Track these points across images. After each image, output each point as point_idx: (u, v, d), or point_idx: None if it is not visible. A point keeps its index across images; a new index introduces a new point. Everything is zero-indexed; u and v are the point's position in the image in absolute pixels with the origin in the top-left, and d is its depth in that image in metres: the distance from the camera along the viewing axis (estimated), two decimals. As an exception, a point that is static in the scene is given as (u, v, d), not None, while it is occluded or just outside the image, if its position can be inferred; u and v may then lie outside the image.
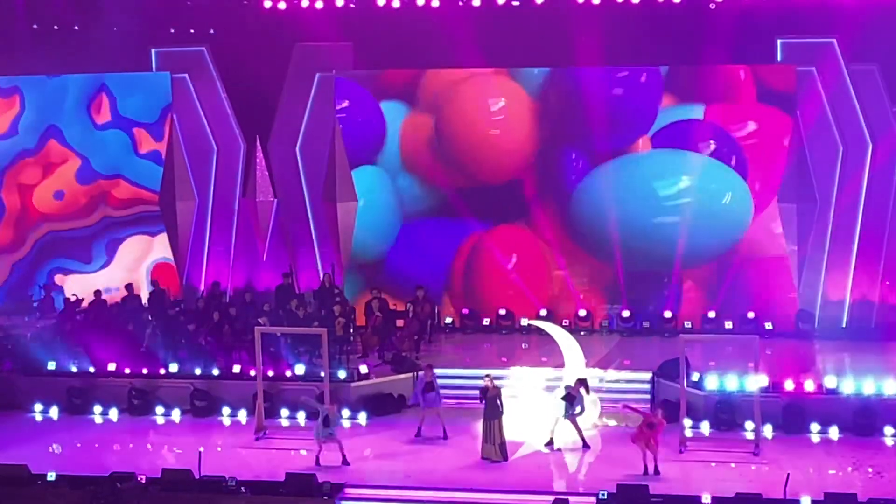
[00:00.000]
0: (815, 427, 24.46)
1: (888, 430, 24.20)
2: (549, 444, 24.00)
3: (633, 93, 31.12)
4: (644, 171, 31.40)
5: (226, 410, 26.65)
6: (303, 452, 24.05)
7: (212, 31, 33.03)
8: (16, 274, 34.01)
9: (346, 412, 25.73)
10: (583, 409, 23.90)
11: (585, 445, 23.92)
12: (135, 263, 33.75)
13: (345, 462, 23.14)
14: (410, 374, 26.69)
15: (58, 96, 33.34)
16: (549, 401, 24.52)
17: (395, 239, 32.72)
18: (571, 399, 23.78)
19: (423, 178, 32.57)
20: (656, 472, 22.24)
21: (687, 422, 24.10)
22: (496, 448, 23.24)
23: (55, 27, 32.82)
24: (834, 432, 24.38)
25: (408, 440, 24.75)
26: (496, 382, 24.03)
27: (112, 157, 33.28)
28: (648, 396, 25.99)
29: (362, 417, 26.11)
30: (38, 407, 27.24)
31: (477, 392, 24.03)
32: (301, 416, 25.90)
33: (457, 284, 32.66)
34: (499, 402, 23.45)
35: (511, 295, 32.12)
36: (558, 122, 31.52)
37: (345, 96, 32.46)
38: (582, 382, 24.07)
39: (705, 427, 24.84)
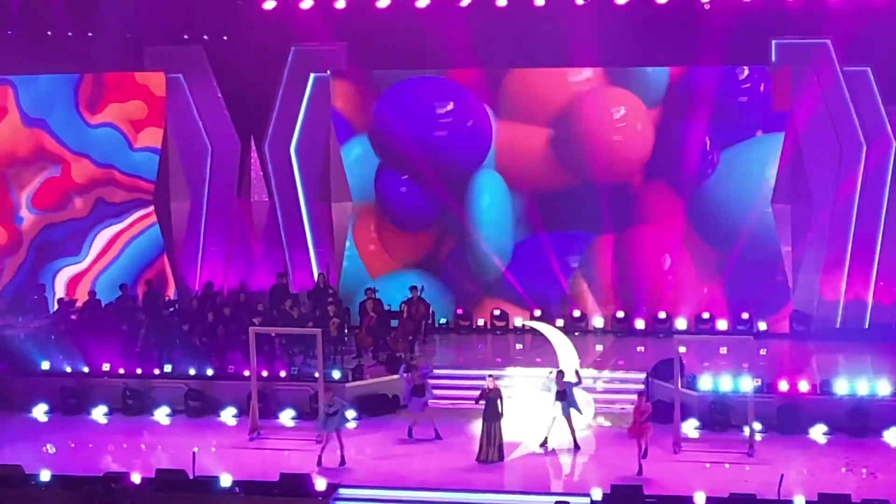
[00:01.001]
0: (809, 428, 24.50)
1: (884, 431, 24.23)
2: (544, 443, 24.00)
3: (754, 92, 30.74)
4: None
5: (220, 411, 26.64)
6: (295, 453, 24.11)
7: (206, 35, 32.95)
8: (18, 278, 33.92)
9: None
10: (574, 402, 23.97)
11: (576, 447, 23.93)
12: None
13: (342, 462, 23.19)
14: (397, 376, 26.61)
15: (48, 93, 33.30)
16: (545, 402, 24.47)
17: (514, 249, 32.06)
18: (563, 395, 23.80)
19: (527, 185, 31.89)
20: (644, 457, 22.39)
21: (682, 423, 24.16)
22: (495, 450, 23.24)
23: (47, 26, 32.70)
24: (828, 433, 24.42)
25: (402, 441, 24.76)
26: (496, 383, 24.01)
27: (106, 154, 33.18)
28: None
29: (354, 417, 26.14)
30: (33, 407, 27.20)
31: (470, 392, 24.03)
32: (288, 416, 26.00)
33: (605, 288, 31.90)
34: (499, 403, 23.45)
35: (669, 296, 31.46)
36: (678, 124, 30.94)
37: (447, 97, 31.65)
38: (560, 374, 24.10)
39: (699, 428, 24.87)
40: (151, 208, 32.98)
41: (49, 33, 32.67)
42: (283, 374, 27.02)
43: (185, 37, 32.82)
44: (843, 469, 22.64)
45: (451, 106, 31.90)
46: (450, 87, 31.90)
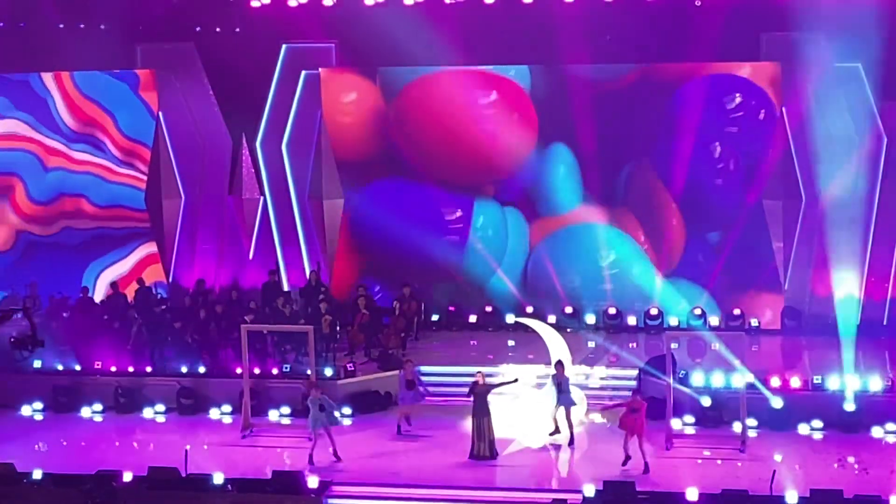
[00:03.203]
0: (801, 424, 24.52)
1: (875, 427, 24.26)
2: (555, 432, 23.95)
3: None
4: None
5: (212, 408, 26.62)
6: (288, 450, 24.12)
7: (198, 33, 32.90)
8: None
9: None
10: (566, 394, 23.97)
11: (571, 442, 23.92)
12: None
13: (336, 457, 23.15)
14: (396, 372, 26.59)
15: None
16: (542, 394, 24.44)
17: None
18: (559, 385, 23.82)
19: None
20: (646, 470, 22.29)
21: (674, 420, 24.17)
22: (486, 445, 23.24)
23: (38, 23, 32.64)
24: (820, 429, 24.45)
25: (394, 437, 24.77)
26: (488, 380, 24.00)
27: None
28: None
29: (349, 414, 26.12)
30: (25, 405, 27.19)
31: (462, 389, 24.05)
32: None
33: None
34: (487, 399, 23.43)
35: None
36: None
37: (735, 90, 30.79)
38: (560, 365, 24.13)
39: (692, 424, 24.89)
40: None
41: (40, 31, 32.61)
42: (275, 371, 27.02)
43: (177, 34, 32.76)
44: (839, 465, 22.68)
45: (738, 99, 31.12)
46: (736, 80, 30.87)
